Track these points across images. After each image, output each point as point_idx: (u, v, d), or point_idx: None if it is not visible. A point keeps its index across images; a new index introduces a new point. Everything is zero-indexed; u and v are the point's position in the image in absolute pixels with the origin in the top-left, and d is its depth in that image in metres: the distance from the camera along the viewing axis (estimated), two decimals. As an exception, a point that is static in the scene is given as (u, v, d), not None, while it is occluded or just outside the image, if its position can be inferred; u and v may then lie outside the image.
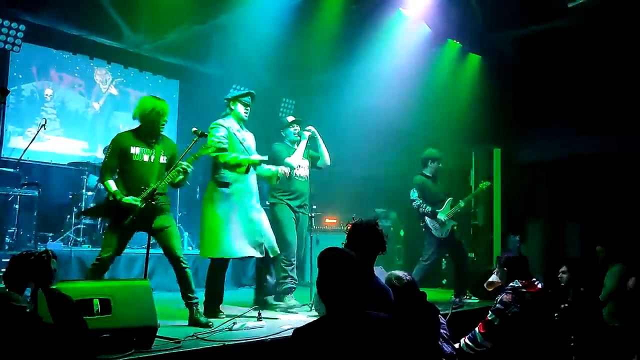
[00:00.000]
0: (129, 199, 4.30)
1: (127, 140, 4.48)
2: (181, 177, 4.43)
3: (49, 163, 8.23)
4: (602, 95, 7.55)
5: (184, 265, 4.41)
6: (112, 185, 4.36)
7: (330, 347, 2.19)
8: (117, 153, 4.42)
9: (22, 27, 7.27)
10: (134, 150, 4.43)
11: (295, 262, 5.56)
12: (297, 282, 5.58)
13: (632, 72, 7.06)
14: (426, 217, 6.43)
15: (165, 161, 4.55)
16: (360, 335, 2.21)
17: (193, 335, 3.81)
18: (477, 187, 6.94)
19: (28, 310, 2.68)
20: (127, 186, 4.37)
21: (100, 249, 4.37)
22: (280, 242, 5.38)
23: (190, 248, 8.06)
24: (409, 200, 6.54)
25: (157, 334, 3.47)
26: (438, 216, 6.36)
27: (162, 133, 4.59)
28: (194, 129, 4.52)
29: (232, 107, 5.16)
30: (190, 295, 4.41)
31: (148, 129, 4.50)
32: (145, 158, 4.44)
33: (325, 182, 7.18)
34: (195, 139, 4.45)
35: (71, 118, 8.66)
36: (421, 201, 6.44)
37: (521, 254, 5.22)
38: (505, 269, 4.17)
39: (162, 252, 4.50)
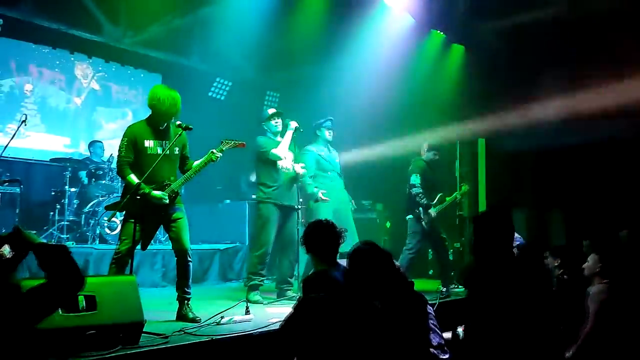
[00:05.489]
0: (157, 194, 4.26)
1: (140, 132, 4.38)
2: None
3: (31, 160, 8.11)
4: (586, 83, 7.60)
5: (189, 260, 4.40)
6: (135, 179, 4.26)
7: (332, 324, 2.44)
8: (132, 145, 4.34)
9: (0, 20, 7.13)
10: (148, 143, 4.35)
11: (267, 261, 5.59)
12: (264, 279, 5.64)
13: (617, 60, 7.11)
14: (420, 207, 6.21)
15: (178, 152, 4.50)
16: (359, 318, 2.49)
17: (181, 331, 3.79)
18: (460, 189, 6.85)
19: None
20: (147, 180, 4.25)
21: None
22: (254, 239, 5.48)
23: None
24: (409, 184, 6.24)
25: (144, 330, 3.44)
26: (430, 210, 6.19)
27: (173, 123, 4.49)
28: (178, 122, 4.46)
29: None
30: (187, 289, 4.38)
31: (160, 120, 4.40)
32: (160, 151, 4.36)
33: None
34: (179, 133, 4.40)
35: (52, 114, 8.55)
36: (422, 191, 6.17)
37: None
38: None
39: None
